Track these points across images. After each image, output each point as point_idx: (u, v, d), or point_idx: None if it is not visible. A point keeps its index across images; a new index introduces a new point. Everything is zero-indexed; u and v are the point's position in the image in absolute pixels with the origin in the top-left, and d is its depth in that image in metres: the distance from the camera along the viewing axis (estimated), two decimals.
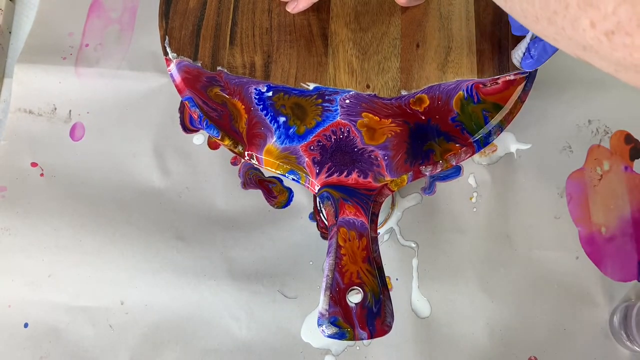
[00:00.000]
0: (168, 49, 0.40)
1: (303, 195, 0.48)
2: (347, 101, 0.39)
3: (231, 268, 0.46)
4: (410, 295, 0.46)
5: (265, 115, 0.38)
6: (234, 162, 0.49)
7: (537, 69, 0.39)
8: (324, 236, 0.47)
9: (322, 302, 0.32)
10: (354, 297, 0.32)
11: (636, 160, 0.49)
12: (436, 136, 0.38)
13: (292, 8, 0.40)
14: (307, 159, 0.37)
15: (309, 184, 0.37)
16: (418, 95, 0.39)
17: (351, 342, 0.44)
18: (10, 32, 0.55)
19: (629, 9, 0.18)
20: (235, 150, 0.38)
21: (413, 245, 0.47)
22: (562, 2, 0.20)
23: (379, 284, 0.32)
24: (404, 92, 0.39)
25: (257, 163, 0.38)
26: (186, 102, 0.39)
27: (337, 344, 0.44)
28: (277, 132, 0.38)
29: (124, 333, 0.45)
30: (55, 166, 0.49)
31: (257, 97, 0.39)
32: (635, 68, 0.20)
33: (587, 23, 0.20)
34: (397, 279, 0.46)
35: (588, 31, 0.20)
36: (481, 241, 0.47)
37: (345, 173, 0.36)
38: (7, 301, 0.45)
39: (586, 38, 0.20)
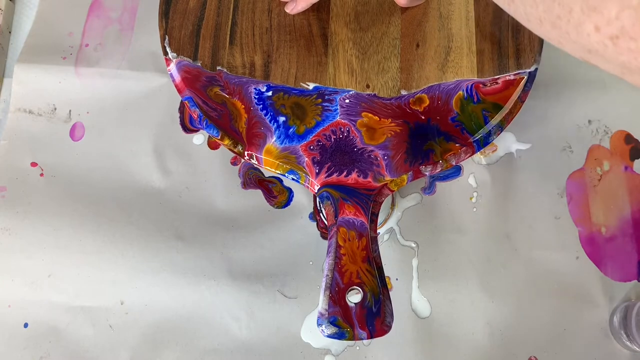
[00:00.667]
0: (168, 49, 0.40)
1: (303, 195, 0.48)
2: (347, 101, 0.39)
3: (231, 268, 0.46)
4: (410, 295, 0.46)
5: (265, 115, 0.38)
6: (234, 162, 0.49)
7: (537, 69, 0.39)
8: (324, 236, 0.47)
9: (321, 302, 0.32)
10: (354, 297, 0.32)
11: (636, 160, 0.49)
12: (436, 136, 0.38)
13: (291, 9, 0.40)
14: (306, 159, 0.37)
15: (308, 183, 0.37)
16: (418, 95, 0.39)
17: (351, 342, 0.44)
18: (10, 32, 0.55)
19: (632, 13, 0.18)
20: (235, 150, 0.38)
21: (413, 245, 0.47)
22: (565, 6, 0.20)
23: (379, 284, 0.32)
24: (403, 92, 0.39)
25: (256, 163, 0.38)
26: (186, 101, 0.39)
27: (337, 344, 0.44)
28: (277, 131, 0.38)
29: (124, 333, 0.45)
30: (55, 166, 0.49)
31: (256, 96, 0.39)
32: None
33: (591, 28, 0.20)
34: (397, 279, 0.46)
35: (592, 35, 0.20)
36: (481, 241, 0.47)
37: (345, 173, 0.36)
38: (7, 301, 0.45)
39: (591, 42, 0.20)
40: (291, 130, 0.38)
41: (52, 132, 0.50)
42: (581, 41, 0.21)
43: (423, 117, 0.38)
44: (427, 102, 0.39)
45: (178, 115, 0.51)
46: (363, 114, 0.38)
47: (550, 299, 0.45)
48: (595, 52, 0.21)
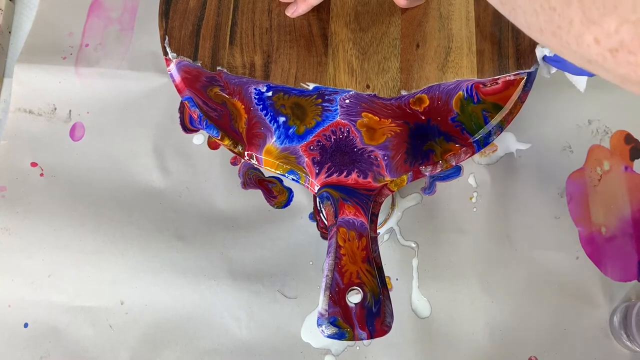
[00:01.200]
0: (168, 49, 0.40)
1: (303, 195, 0.48)
2: (347, 101, 0.39)
3: (231, 268, 0.46)
4: (410, 295, 0.46)
5: (265, 115, 0.38)
6: (233, 162, 0.49)
7: (537, 69, 0.39)
8: (324, 236, 0.47)
9: (321, 302, 0.32)
10: (354, 297, 0.32)
11: (636, 160, 0.49)
12: (436, 136, 0.38)
13: (292, 12, 0.40)
14: (306, 159, 0.37)
15: (308, 184, 0.37)
16: (418, 95, 0.39)
17: (351, 342, 0.44)
18: (10, 32, 0.55)
19: (631, 28, 0.18)
20: (235, 150, 0.38)
21: (413, 245, 0.47)
22: (566, 17, 0.20)
23: (379, 284, 0.32)
24: (403, 92, 0.39)
25: (256, 163, 0.38)
26: (186, 102, 0.39)
27: (337, 344, 0.44)
28: (277, 132, 0.38)
29: (124, 333, 0.45)
30: (55, 166, 0.49)
31: (256, 97, 0.39)
32: None
33: (591, 39, 0.20)
34: (397, 279, 0.46)
35: (592, 47, 0.20)
36: (481, 241, 0.47)
37: (345, 173, 0.36)
38: (7, 301, 0.45)
39: (591, 53, 0.20)
40: (291, 130, 0.38)
41: (52, 132, 0.50)
42: (581, 52, 0.21)
43: (423, 118, 0.38)
44: (427, 102, 0.39)
45: (178, 115, 0.51)
46: (363, 114, 0.38)
47: (550, 299, 0.45)
48: (595, 62, 0.21)
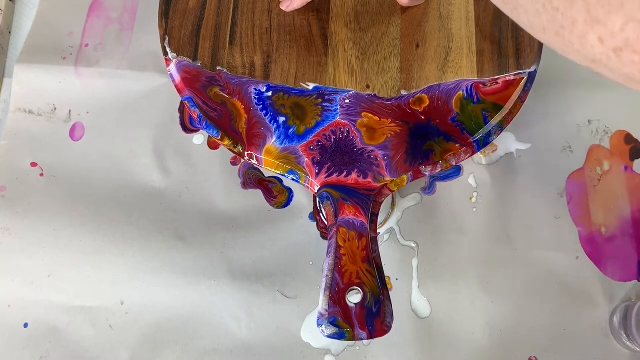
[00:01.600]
0: (168, 49, 0.40)
1: (303, 195, 0.48)
2: (347, 101, 0.39)
3: (231, 268, 0.46)
4: (410, 295, 0.46)
5: (265, 115, 0.38)
6: (233, 162, 0.49)
7: (537, 69, 0.39)
8: (324, 236, 0.47)
9: (321, 302, 0.32)
10: (354, 297, 0.32)
11: (636, 160, 0.49)
12: (436, 136, 0.38)
13: (287, 6, 0.40)
14: (306, 159, 0.37)
15: (308, 184, 0.37)
16: (418, 95, 0.39)
17: (351, 342, 0.44)
18: (10, 32, 0.55)
19: (636, 26, 0.18)
20: (235, 150, 0.38)
21: (413, 245, 0.47)
22: (569, 17, 0.20)
23: (379, 284, 0.32)
24: (403, 92, 0.39)
25: (256, 163, 0.38)
26: (186, 102, 0.39)
27: (337, 344, 0.44)
28: (277, 132, 0.38)
29: (124, 333, 0.45)
30: (55, 166, 0.49)
31: (256, 97, 0.39)
32: None
33: (594, 39, 0.20)
34: (397, 279, 0.46)
35: (596, 47, 0.20)
36: (481, 241, 0.47)
37: (345, 173, 0.36)
38: (7, 301, 0.45)
39: (595, 53, 0.20)
40: (291, 130, 0.38)
41: (52, 132, 0.50)
42: (585, 51, 0.21)
43: (423, 118, 0.38)
44: (427, 102, 0.39)
45: (178, 115, 0.51)
46: (363, 114, 0.38)
47: (550, 299, 0.45)
48: (599, 62, 0.21)
